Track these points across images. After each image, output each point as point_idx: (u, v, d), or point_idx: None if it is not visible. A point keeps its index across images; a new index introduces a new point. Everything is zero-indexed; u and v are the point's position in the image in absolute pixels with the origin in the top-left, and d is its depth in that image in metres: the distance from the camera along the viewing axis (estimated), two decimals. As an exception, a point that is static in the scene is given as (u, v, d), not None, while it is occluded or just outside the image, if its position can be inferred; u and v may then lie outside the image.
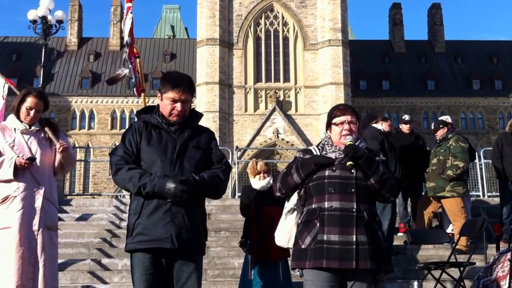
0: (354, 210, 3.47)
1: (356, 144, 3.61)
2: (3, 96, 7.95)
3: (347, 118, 3.69)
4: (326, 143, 3.74)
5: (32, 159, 4.41)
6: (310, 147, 3.82)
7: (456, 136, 8.15)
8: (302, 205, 3.65)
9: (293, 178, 3.62)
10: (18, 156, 4.39)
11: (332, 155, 3.64)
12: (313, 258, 3.44)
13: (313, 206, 3.56)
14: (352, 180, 3.52)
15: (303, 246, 3.51)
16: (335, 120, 3.71)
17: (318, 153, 3.70)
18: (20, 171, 4.38)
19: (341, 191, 3.51)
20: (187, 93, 3.71)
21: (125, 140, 3.73)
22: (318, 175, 3.56)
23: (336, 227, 3.44)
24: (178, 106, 3.68)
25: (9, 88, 7.98)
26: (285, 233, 3.71)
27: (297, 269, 3.61)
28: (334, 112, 3.75)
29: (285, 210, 3.74)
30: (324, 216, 3.48)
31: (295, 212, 3.69)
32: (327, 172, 3.55)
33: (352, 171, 3.50)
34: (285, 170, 3.75)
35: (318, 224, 3.48)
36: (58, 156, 4.58)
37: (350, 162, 3.49)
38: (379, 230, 3.57)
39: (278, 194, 3.74)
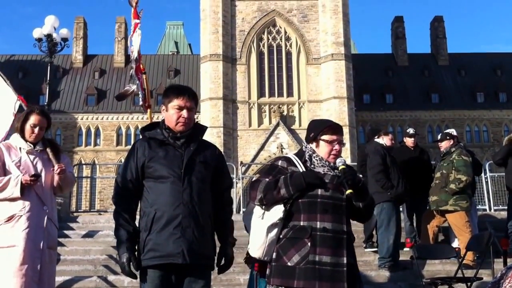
0: (344, 232, 3.48)
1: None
2: (13, 113, 8.00)
3: (339, 138, 3.62)
4: (313, 155, 3.61)
5: (37, 175, 4.45)
6: (289, 155, 3.66)
7: (459, 149, 8.09)
8: (283, 218, 3.50)
9: (281, 193, 3.46)
10: (24, 175, 4.43)
11: (320, 170, 3.55)
12: (303, 278, 3.36)
13: (302, 223, 3.46)
14: (343, 201, 3.50)
15: (289, 264, 3.41)
16: (326, 137, 3.59)
17: (301, 165, 3.58)
18: (26, 190, 4.42)
19: (334, 212, 3.46)
20: (192, 101, 3.75)
21: (127, 164, 3.75)
22: (309, 193, 3.47)
23: (329, 249, 3.40)
24: (184, 113, 3.71)
25: (20, 106, 8.05)
26: (263, 246, 3.55)
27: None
28: (325, 128, 3.62)
29: (267, 223, 3.52)
30: (316, 237, 3.41)
31: (277, 227, 3.53)
32: (319, 191, 3.47)
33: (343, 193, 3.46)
34: (266, 180, 3.54)
35: (309, 244, 3.40)
36: (56, 177, 4.63)
37: (350, 190, 3.42)
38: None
39: (257, 203, 3.55)
